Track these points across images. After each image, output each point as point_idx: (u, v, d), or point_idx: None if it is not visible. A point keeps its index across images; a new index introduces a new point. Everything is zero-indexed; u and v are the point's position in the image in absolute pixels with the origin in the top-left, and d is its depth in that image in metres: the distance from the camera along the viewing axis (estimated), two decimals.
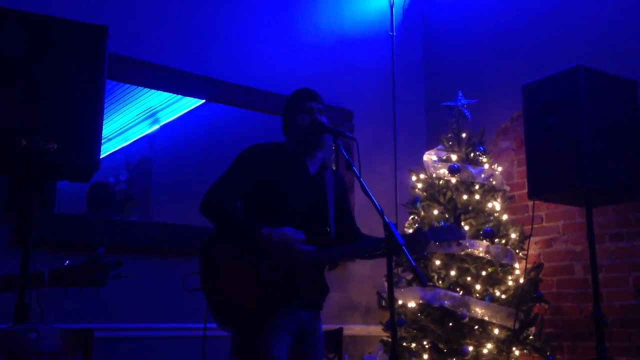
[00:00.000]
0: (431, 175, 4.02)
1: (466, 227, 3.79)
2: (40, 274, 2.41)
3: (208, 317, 2.35)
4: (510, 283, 3.72)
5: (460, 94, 4.12)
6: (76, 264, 2.44)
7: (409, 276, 3.92)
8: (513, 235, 3.84)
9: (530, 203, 3.95)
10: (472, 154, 4.02)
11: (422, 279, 2.10)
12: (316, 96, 2.66)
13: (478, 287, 3.65)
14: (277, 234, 2.36)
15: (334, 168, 4.34)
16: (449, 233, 2.65)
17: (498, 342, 3.55)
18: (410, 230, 2.70)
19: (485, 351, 3.53)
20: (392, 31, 5.05)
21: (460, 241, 3.42)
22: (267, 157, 2.55)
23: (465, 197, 3.86)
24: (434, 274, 3.74)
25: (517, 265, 3.77)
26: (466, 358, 3.48)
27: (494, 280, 3.72)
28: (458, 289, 3.64)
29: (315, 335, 2.52)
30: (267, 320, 2.34)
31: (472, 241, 3.71)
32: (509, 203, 4.07)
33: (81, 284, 2.43)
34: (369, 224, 3.09)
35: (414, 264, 2.09)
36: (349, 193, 2.83)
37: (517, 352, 3.56)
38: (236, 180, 2.49)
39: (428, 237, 2.56)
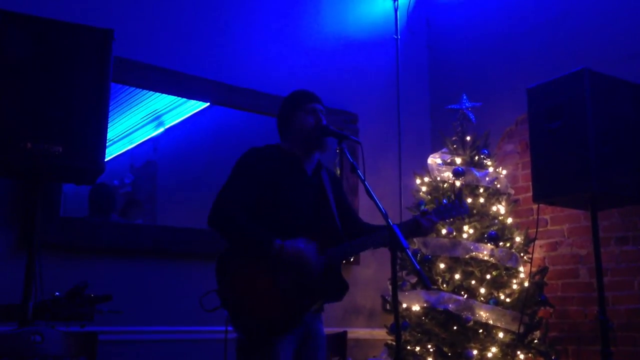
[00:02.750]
0: (435, 178, 4.02)
1: (471, 231, 3.79)
2: (24, 307, 2.35)
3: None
4: (514, 287, 3.71)
5: (465, 97, 4.12)
6: (62, 295, 2.38)
7: (413, 279, 3.91)
8: (518, 239, 3.83)
9: (535, 206, 3.93)
10: (476, 157, 4.02)
11: (426, 282, 2.11)
12: (319, 98, 2.67)
13: (482, 290, 3.64)
14: (290, 247, 2.35)
15: (338, 171, 4.34)
16: (453, 210, 2.72)
17: (503, 345, 3.54)
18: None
19: (489, 355, 3.51)
20: (396, 34, 5.06)
21: (464, 215, 3.46)
22: (266, 160, 2.53)
23: (469, 200, 3.85)
24: (438, 277, 3.74)
25: (521, 268, 3.76)
26: None
27: (498, 284, 3.71)
28: (462, 293, 3.64)
29: (317, 337, 2.52)
30: (290, 326, 2.35)
31: (477, 244, 3.71)
32: (514, 206, 4.07)
33: (66, 318, 2.37)
34: None
35: (418, 267, 2.12)
36: (346, 190, 2.85)
37: (521, 356, 3.55)
38: (242, 189, 2.46)
39: (434, 219, 2.63)
